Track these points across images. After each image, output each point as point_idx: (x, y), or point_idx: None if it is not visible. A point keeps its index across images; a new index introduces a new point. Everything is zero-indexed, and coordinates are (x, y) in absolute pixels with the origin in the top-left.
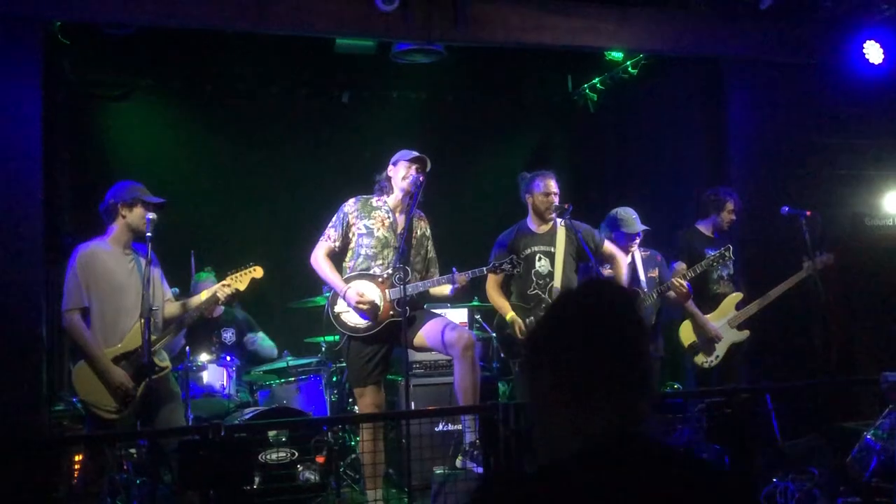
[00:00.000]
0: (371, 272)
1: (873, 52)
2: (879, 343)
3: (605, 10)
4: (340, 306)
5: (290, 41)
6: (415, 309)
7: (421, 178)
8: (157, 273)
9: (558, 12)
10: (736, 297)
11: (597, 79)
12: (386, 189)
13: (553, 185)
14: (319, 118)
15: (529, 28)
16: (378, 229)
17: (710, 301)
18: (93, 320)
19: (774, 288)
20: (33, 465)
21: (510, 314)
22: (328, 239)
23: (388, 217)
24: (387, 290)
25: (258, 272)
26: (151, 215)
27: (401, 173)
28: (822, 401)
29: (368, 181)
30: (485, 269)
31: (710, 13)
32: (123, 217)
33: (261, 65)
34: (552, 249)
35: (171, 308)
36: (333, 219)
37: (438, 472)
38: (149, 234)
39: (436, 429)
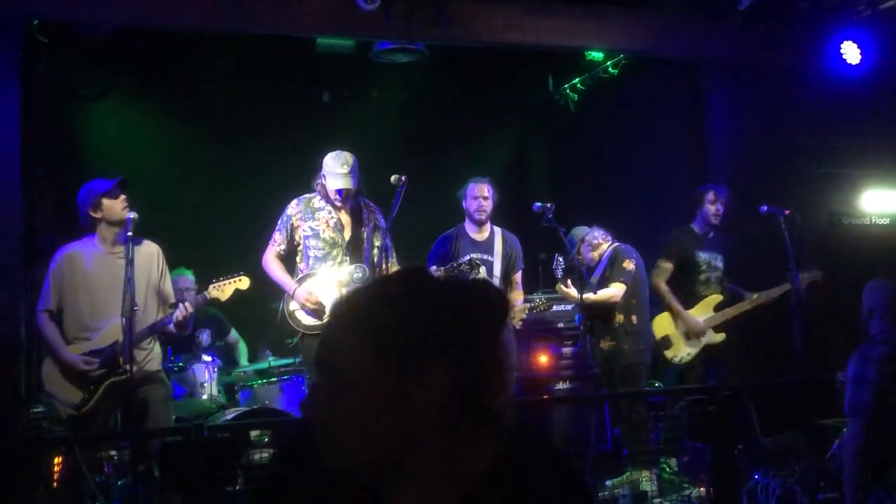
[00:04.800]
0: (325, 272)
1: (851, 53)
2: (855, 342)
3: (585, 10)
4: (294, 304)
5: (271, 40)
6: None
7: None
8: (154, 272)
9: (539, 12)
10: (715, 298)
11: (577, 79)
12: (321, 193)
13: (485, 190)
14: (300, 117)
15: (510, 28)
16: (323, 230)
17: (693, 301)
18: (67, 318)
19: (756, 295)
20: (11, 468)
21: None
22: (274, 243)
23: (332, 217)
24: (343, 290)
25: (244, 283)
26: (133, 215)
27: (330, 186)
28: (802, 398)
29: None
30: (443, 269)
31: (689, 14)
32: (100, 219)
33: (241, 64)
34: (489, 258)
35: (163, 313)
36: (278, 222)
37: None
38: (129, 233)
39: None
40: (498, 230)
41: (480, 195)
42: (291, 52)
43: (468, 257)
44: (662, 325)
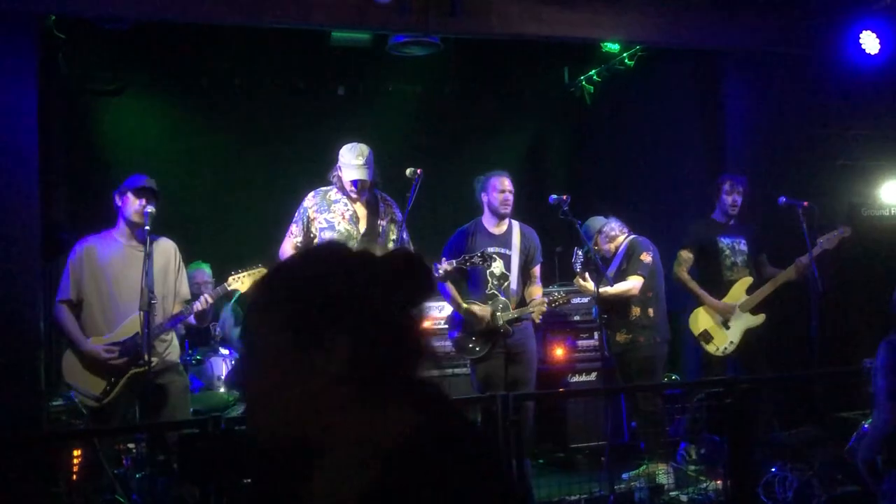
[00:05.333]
0: None
1: (870, 43)
2: (876, 333)
3: (602, 1)
4: None
5: (286, 34)
6: None
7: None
8: (171, 268)
9: (555, 3)
10: (746, 281)
11: (593, 71)
12: (338, 185)
13: (507, 184)
14: (315, 111)
15: (526, 19)
16: (339, 223)
17: (722, 288)
18: (86, 311)
19: (788, 270)
20: (32, 460)
21: (464, 305)
22: (291, 235)
23: (348, 209)
24: None
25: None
26: (150, 209)
27: (345, 177)
28: (820, 391)
29: None
30: (455, 261)
31: (705, 4)
32: (121, 208)
33: (256, 59)
34: (507, 251)
35: (178, 308)
36: (295, 214)
37: None
38: (147, 227)
39: None
40: (516, 224)
41: (506, 188)
42: (307, 46)
43: (485, 250)
44: (700, 320)
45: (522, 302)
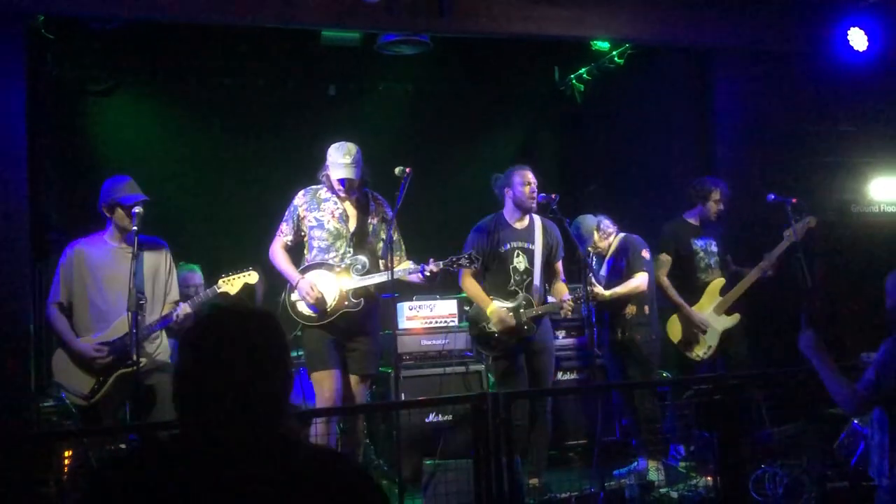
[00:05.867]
0: (328, 263)
1: (858, 40)
2: (865, 330)
3: None
4: (296, 296)
5: (276, 34)
6: (370, 299)
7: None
8: (162, 269)
9: (544, 1)
10: (719, 282)
11: (583, 69)
12: (327, 184)
13: (531, 176)
14: (306, 111)
15: (515, 18)
16: (328, 221)
17: (697, 291)
18: (77, 312)
19: (759, 265)
20: (22, 461)
21: (491, 307)
22: (281, 233)
23: (338, 208)
24: (343, 280)
25: (253, 277)
26: (137, 209)
27: (332, 176)
28: (810, 387)
29: None
30: (441, 263)
31: (696, 2)
32: (110, 217)
33: (246, 58)
34: (530, 246)
35: (168, 310)
36: (286, 213)
37: (428, 462)
38: (134, 227)
39: (426, 419)
40: (537, 218)
41: (531, 181)
42: (297, 46)
43: (508, 245)
44: (677, 327)
45: (545, 297)
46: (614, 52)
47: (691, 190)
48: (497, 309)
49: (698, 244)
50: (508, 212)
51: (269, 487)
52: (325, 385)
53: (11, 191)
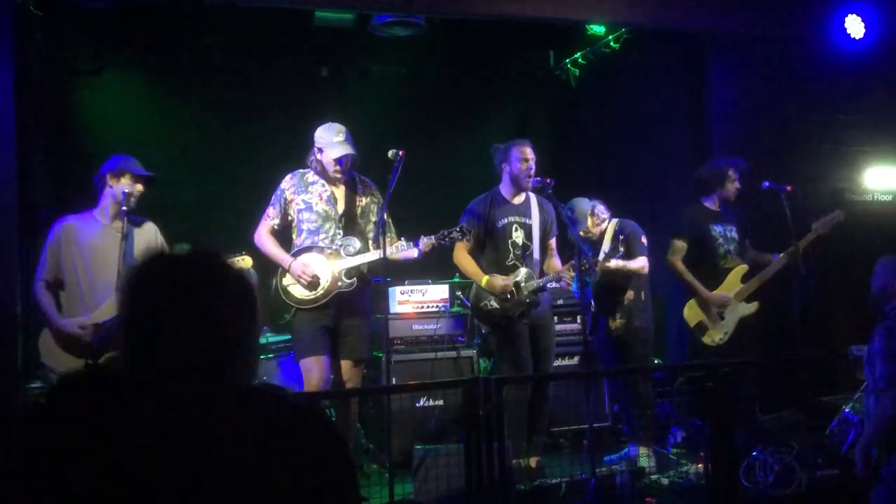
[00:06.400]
0: (319, 245)
1: (855, 27)
2: (858, 318)
3: None
4: (288, 279)
5: (268, 14)
6: (362, 280)
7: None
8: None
9: None
10: (741, 269)
11: (578, 53)
12: (317, 168)
13: (529, 152)
14: (298, 92)
15: (510, 0)
16: (317, 203)
17: (717, 277)
18: (66, 291)
19: (784, 254)
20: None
21: (485, 278)
22: (268, 217)
23: (325, 190)
24: (335, 262)
25: (246, 263)
26: (127, 189)
27: (328, 157)
28: (801, 375)
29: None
30: (433, 237)
31: None
32: (110, 188)
33: (239, 38)
34: (528, 221)
35: None
36: (272, 197)
37: (419, 447)
38: (124, 207)
39: (416, 404)
40: (532, 195)
41: (529, 157)
42: (289, 26)
43: (505, 220)
44: (694, 311)
45: (542, 274)
46: (610, 37)
47: (706, 176)
48: (491, 278)
49: (717, 230)
50: (505, 187)
51: (216, 437)
52: (313, 372)
53: (0, 169)
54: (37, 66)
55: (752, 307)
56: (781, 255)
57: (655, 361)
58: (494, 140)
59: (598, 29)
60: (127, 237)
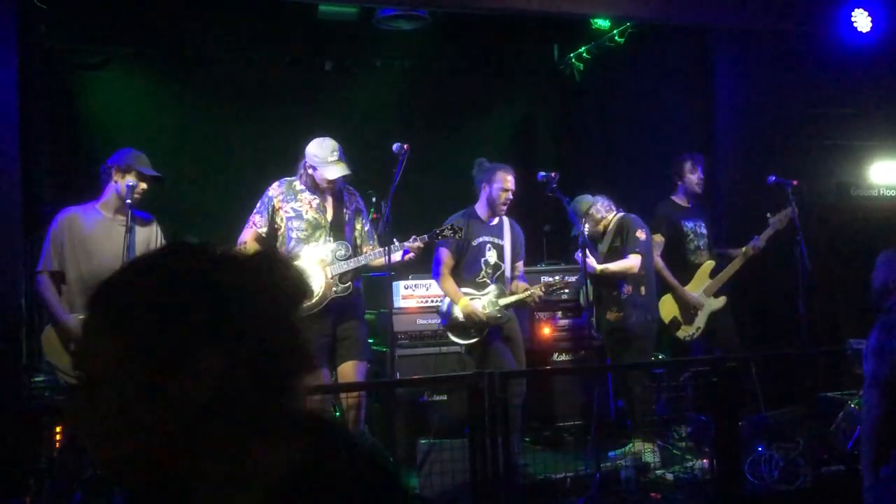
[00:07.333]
0: (309, 252)
1: (861, 21)
2: (863, 313)
3: None
4: None
5: (272, 7)
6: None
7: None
8: (153, 245)
9: None
10: (709, 265)
11: (583, 48)
12: (307, 183)
13: (511, 181)
14: (302, 86)
15: None
16: (306, 211)
17: (687, 272)
18: (68, 284)
19: (744, 248)
20: (13, 436)
21: (462, 301)
22: (254, 225)
23: (315, 198)
24: (327, 268)
25: None
26: (132, 182)
27: (322, 177)
28: (806, 370)
29: (351, 150)
30: (426, 236)
31: None
32: (115, 182)
33: (242, 33)
34: (500, 241)
35: None
36: (258, 204)
37: (423, 441)
38: (128, 200)
39: (421, 399)
40: (505, 218)
41: (509, 187)
42: (294, 20)
43: (481, 239)
44: (668, 307)
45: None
46: (615, 31)
47: (666, 172)
48: (467, 304)
49: (688, 225)
50: (481, 207)
51: None
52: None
53: (4, 163)
54: (40, 59)
55: (720, 302)
56: (743, 249)
57: (659, 356)
58: (499, 133)
59: (602, 23)
60: (130, 231)
